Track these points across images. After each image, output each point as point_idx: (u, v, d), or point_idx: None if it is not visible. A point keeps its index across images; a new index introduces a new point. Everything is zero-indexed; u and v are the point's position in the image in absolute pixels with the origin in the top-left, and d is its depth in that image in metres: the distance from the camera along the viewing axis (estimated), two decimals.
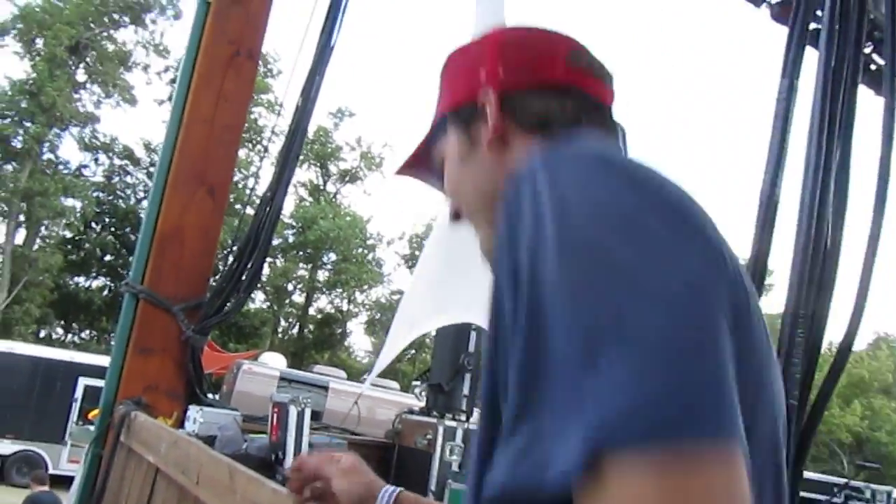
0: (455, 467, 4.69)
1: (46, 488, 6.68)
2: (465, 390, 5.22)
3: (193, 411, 3.13)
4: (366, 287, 32.31)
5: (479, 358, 5.31)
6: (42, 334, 26.42)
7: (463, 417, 5.20)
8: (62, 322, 27.79)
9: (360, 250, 31.90)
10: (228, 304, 3.77)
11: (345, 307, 32.76)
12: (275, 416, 2.97)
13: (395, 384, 11.62)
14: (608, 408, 0.46)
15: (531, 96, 0.82)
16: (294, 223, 30.13)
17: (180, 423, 3.36)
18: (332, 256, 31.16)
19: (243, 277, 3.77)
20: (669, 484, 0.44)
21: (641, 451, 0.44)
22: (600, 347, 0.48)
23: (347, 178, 33.02)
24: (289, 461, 3.29)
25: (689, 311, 0.50)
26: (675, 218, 0.56)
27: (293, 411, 2.99)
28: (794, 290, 1.44)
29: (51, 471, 12.64)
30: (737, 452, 0.47)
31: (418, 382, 6.01)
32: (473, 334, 5.20)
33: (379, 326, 31.83)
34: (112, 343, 3.99)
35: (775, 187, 1.45)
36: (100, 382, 4.06)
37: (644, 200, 0.56)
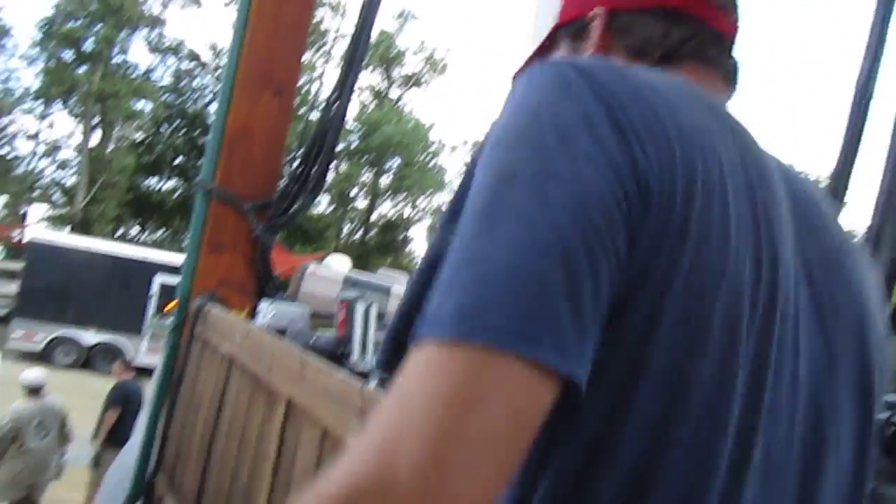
0: None
1: (132, 376, 7.08)
2: None
3: (265, 305, 3.25)
4: (428, 193, 32.44)
5: None
6: (119, 233, 27.55)
7: None
8: (137, 221, 28.88)
9: (422, 156, 31.85)
10: (296, 205, 3.84)
11: (407, 213, 33.07)
12: (342, 312, 3.07)
13: None
14: (440, 303, 0.52)
15: (639, 18, 0.79)
16: (358, 128, 30.16)
17: (251, 317, 3.49)
18: (396, 162, 31.23)
19: (310, 179, 3.82)
20: (437, 366, 0.50)
21: (437, 341, 0.51)
22: (469, 243, 0.54)
23: (411, 83, 32.66)
24: (355, 356, 3.42)
25: (542, 236, 0.53)
26: (588, 135, 0.57)
27: (360, 308, 3.07)
28: (882, 202, 1.36)
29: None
30: (524, 372, 0.50)
31: None
32: None
33: None
34: (185, 242, 4.12)
35: (871, 78, 1.36)
36: (174, 280, 4.23)
37: (565, 112, 0.58)
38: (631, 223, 0.56)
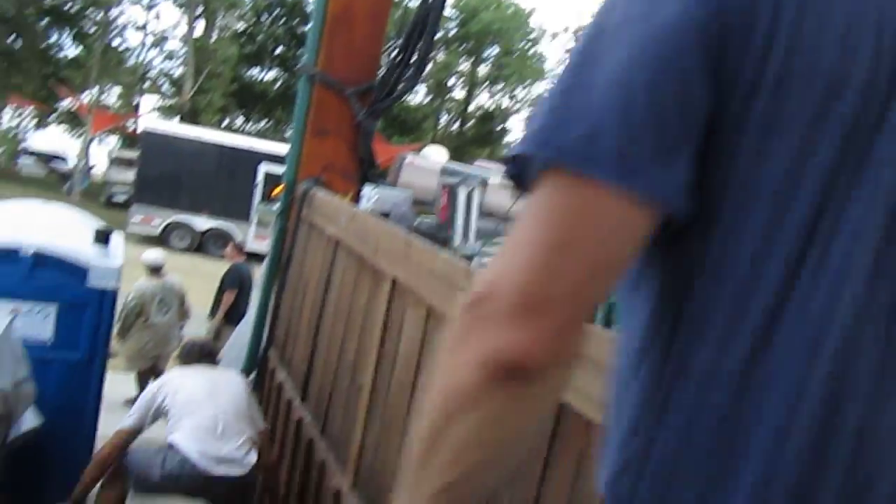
0: None
1: (244, 258, 7.40)
2: None
3: (368, 190, 3.30)
4: (528, 83, 31.62)
5: None
6: (225, 123, 28.37)
7: None
8: (242, 111, 29.60)
9: (522, 44, 30.87)
10: (397, 90, 3.81)
11: (505, 104, 32.45)
12: (444, 197, 3.07)
13: None
14: (532, 125, 0.62)
15: None
16: (456, 14, 29.38)
17: (355, 202, 3.56)
18: (494, 50, 30.42)
19: (410, 65, 3.76)
20: (544, 198, 0.60)
21: (547, 173, 0.60)
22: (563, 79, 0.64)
23: None
24: (457, 241, 3.46)
25: (629, 71, 0.59)
26: None
27: (462, 193, 3.08)
28: None
29: None
30: (613, 195, 0.57)
31: None
32: None
33: None
34: (287, 132, 4.19)
35: None
36: (279, 169, 4.32)
37: None
38: (714, 44, 0.59)
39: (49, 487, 3.59)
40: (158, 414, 3.18)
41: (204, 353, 3.57)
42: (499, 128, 32.52)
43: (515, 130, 35.72)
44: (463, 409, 0.59)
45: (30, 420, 3.51)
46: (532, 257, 0.58)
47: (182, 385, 3.22)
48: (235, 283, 6.89)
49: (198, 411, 3.14)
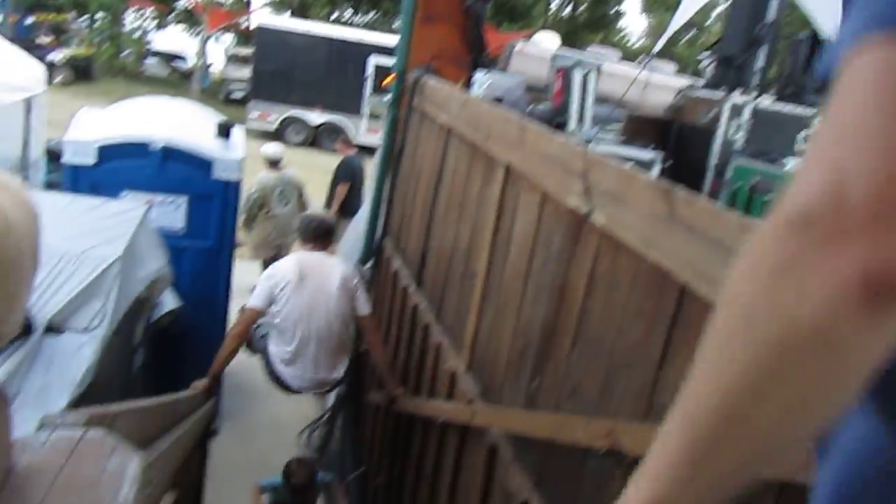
0: (739, 146, 4.45)
1: (355, 151, 7.52)
2: (760, 63, 4.70)
3: (480, 75, 3.22)
4: None
5: (778, 28, 4.70)
6: (333, 16, 28.27)
7: (754, 94, 4.78)
8: (350, 3, 29.35)
9: None
10: None
11: None
12: (559, 81, 2.95)
13: (670, 66, 10.95)
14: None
15: None
16: None
17: (466, 89, 3.50)
18: None
19: None
20: (883, 68, 0.47)
21: (878, 40, 0.47)
22: None
23: None
24: (572, 125, 3.34)
25: None
26: None
27: (578, 76, 2.95)
28: None
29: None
30: None
31: (706, 54, 5.57)
32: (774, 1, 4.57)
33: (657, 4, 29.55)
34: (395, 23, 4.12)
35: None
36: (388, 61, 4.27)
37: None
38: None
39: (188, 364, 3.91)
40: (273, 302, 3.42)
41: (320, 231, 3.66)
42: (613, 11, 30.82)
43: (630, 13, 33.69)
44: (813, 343, 0.49)
45: (169, 302, 3.80)
46: (887, 145, 0.46)
47: (288, 289, 3.41)
48: (347, 175, 7.03)
49: (293, 334, 3.40)
